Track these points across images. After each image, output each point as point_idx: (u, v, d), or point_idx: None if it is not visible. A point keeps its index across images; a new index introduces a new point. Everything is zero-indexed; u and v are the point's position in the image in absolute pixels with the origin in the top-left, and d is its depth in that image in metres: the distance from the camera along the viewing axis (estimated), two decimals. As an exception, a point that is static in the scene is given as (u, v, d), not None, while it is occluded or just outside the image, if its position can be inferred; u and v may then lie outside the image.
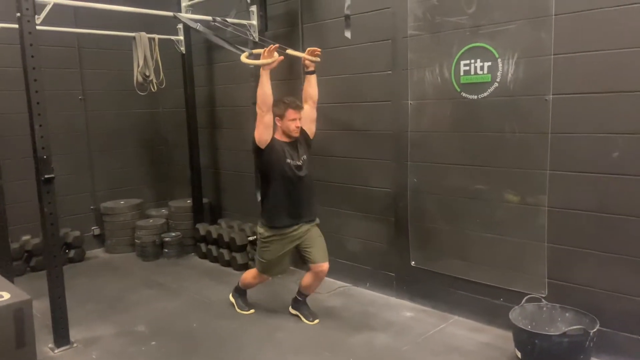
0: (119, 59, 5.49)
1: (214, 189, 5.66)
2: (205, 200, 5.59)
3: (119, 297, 4.28)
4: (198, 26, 3.65)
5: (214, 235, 5.10)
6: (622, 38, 2.73)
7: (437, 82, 3.54)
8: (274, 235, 3.47)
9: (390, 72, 3.81)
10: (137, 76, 4.77)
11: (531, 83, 3.09)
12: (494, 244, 3.40)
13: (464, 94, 3.41)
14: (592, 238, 2.96)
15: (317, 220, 3.60)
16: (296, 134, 3.44)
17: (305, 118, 3.52)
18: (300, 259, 3.65)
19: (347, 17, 3.44)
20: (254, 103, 4.49)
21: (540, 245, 3.17)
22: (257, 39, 4.26)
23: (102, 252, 5.63)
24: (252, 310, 3.87)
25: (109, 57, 5.60)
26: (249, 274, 3.80)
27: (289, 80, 4.52)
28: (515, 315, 2.98)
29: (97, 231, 5.71)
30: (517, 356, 2.89)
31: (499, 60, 3.21)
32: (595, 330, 2.69)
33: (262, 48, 3.68)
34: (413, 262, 3.88)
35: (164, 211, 5.81)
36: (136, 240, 5.45)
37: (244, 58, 3.24)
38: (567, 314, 3.00)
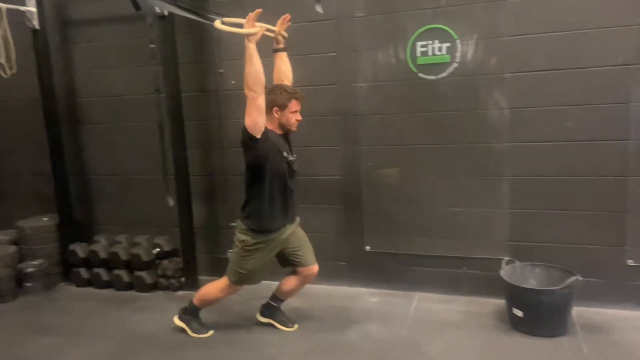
0: None
1: (82, 200, 4.56)
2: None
3: (3, 355, 3.14)
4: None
5: (103, 255, 4.13)
6: (574, 21, 3.14)
7: (391, 64, 3.52)
8: (262, 241, 2.97)
9: (334, 53, 3.63)
10: (-21, 57, 3.55)
11: (490, 62, 3.32)
12: (455, 217, 3.57)
13: (421, 75, 3.47)
14: (551, 200, 3.36)
15: (299, 219, 3.21)
16: (295, 129, 2.99)
17: None
18: (282, 263, 3.22)
19: (318, -11, 3.13)
20: (157, 90, 3.81)
21: (503, 212, 3.47)
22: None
23: None
24: (210, 332, 3.28)
25: None
26: (214, 288, 3.19)
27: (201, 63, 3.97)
28: (503, 277, 3.20)
29: None
30: (516, 315, 3.10)
31: (458, 41, 3.36)
32: (580, 278, 3.06)
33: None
34: (368, 247, 3.81)
35: (1, 236, 4.46)
36: (-23, 279, 4.08)
37: (219, 24, 2.64)
38: (536, 270, 3.34)
